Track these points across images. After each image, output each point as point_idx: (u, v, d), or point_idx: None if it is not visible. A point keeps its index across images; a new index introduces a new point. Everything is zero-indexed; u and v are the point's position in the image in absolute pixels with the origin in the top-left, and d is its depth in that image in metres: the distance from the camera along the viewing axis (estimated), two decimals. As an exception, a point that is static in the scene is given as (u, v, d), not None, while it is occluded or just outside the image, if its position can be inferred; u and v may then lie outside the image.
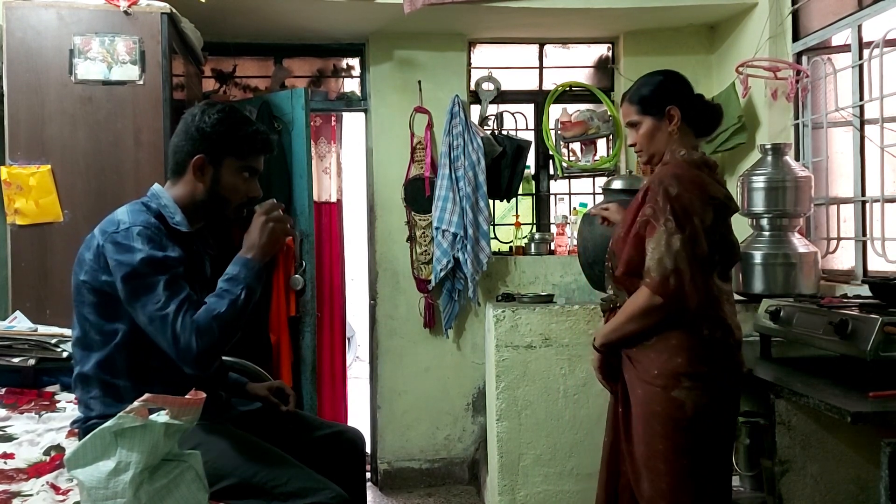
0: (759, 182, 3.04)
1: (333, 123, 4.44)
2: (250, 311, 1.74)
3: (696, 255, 1.97)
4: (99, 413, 1.80)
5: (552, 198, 4.35)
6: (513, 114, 4.24)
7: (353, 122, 4.58)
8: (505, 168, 4.01)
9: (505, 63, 4.25)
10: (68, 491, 1.89)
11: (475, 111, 4.19)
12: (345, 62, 4.28)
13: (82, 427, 1.84)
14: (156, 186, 1.93)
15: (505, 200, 4.14)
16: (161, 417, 1.38)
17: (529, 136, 4.22)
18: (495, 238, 4.21)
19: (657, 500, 2.03)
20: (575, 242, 3.72)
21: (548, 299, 3.42)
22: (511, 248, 4.18)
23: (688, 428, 2.01)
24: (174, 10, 2.98)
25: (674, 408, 2.00)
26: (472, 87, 4.16)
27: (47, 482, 1.96)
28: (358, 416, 4.53)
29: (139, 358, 1.81)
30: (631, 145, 2.22)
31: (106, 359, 1.81)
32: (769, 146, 3.11)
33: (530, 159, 4.18)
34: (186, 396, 1.44)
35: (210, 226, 2.00)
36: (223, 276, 1.79)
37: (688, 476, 2.01)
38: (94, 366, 1.82)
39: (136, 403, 1.35)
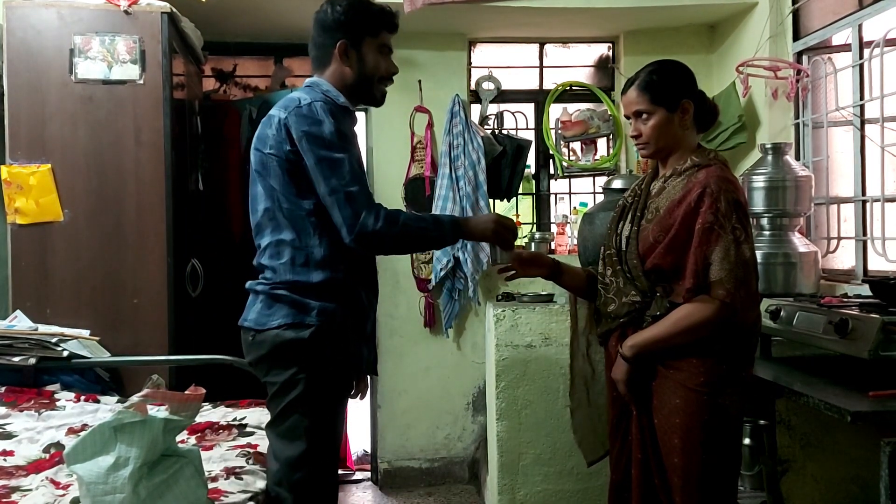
0: (759, 182, 3.04)
1: (334, 123, 4.43)
2: (419, 248, 1.94)
3: (755, 264, 1.94)
4: (284, 279, 1.84)
5: (552, 197, 4.35)
6: (513, 113, 4.24)
7: (353, 122, 4.57)
8: (505, 167, 4.01)
9: (505, 62, 4.25)
10: (68, 486, 1.89)
11: (475, 110, 4.19)
12: (345, 62, 4.28)
13: (268, 291, 1.85)
14: (313, 77, 2.00)
15: (505, 200, 4.14)
16: (161, 413, 1.38)
17: (530, 135, 4.22)
18: (495, 238, 4.20)
19: None
20: (575, 242, 3.71)
21: (548, 299, 3.42)
22: (511, 247, 4.17)
23: (728, 433, 1.96)
24: (174, 10, 2.98)
25: (720, 415, 1.93)
26: (473, 86, 4.16)
27: (47, 478, 1.97)
28: (358, 416, 4.53)
29: (331, 227, 1.84)
30: (634, 136, 2.07)
31: (298, 227, 1.85)
32: (769, 146, 3.10)
33: (530, 159, 4.18)
34: (186, 392, 1.44)
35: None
36: (435, 214, 1.96)
37: (721, 481, 1.97)
38: (286, 233, 1.85)
39: (134, 398, 1.35)
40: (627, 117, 2.11)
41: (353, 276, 1.90)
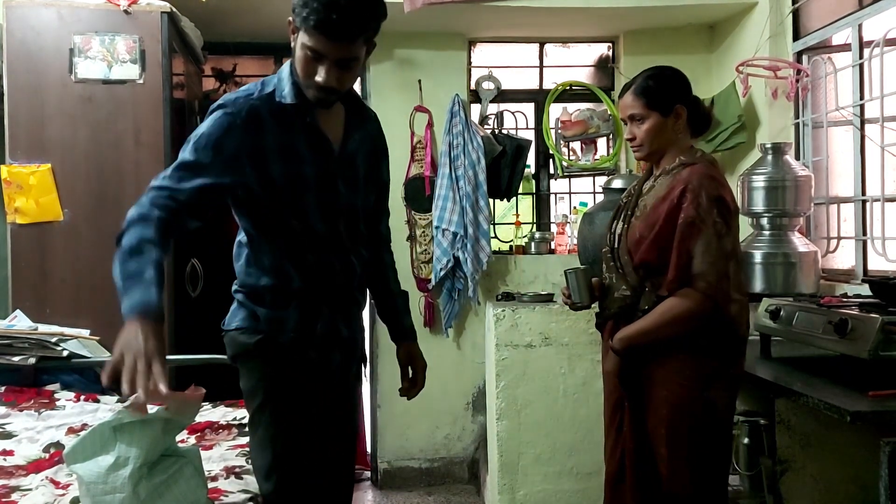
0: (759, 181, 3.04)
1: (334, 123, 4.43)
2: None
3: (739, 258, 1.97)
4: (242, 282, 1.77)
5: (552, 197, 4.35)
6: (513, 113, 4.24)
7: (353, 122, 4.58)
8: (505, 167, 4.01)
9: (505, 62, 4.25)
10: (68, 486, 1.89)
11: (475, 110, 4.19)
12: (345, 61, 4.28)
13: (233, 293, 1.80)
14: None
15: (505, 199, 4.14)
16: (160, 413, 1.38)
17: (529, 135, 4.22)
18: (495, 237, 4.20)
19: (680, 500, 2.00)
20: (575, 241, 3.71)
21: (548, 298, 3.42)
22: (511, 247, 4.18)
23: (715, 428, 2.00)
24: (174, 10, 2.98)
25: (706, 409, 1.98)
26: (473, 86, 4.16)
27: (46, 477, 1.97)
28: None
29: (274, 233, 1.74)
30: (629, 139, 2.14)
31: (246, 230, 1.76)
32: (769, 145, 3.10)
33: (530, 158, 4.18)
34: (186, 392, 1.44)
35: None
36: (151, 277, 1.70)
37: (708, 473, 2.01)
38: (241, 235, 1.78)
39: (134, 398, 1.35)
40: (624, 121, 2.18)
41: (306, 283, 1.74)
